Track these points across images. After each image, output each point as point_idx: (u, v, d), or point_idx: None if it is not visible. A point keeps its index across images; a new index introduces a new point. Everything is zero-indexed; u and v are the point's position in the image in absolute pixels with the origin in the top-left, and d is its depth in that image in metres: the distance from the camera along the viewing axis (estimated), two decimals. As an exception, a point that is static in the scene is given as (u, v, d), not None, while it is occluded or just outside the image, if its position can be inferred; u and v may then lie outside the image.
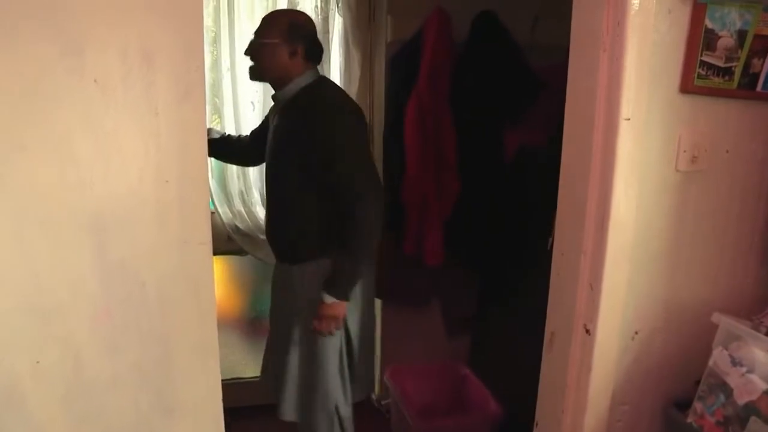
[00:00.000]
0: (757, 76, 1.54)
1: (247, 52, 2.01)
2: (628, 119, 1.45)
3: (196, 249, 1.19)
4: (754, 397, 1.41)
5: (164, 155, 1.14)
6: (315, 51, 2.02)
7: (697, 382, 1.68)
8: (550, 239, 1.85)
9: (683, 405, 1.68)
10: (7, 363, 1.13)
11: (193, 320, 1.23)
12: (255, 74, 2.05)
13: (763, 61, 1.53)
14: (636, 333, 1.65)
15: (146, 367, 1.24)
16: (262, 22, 2.02)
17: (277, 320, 2.22)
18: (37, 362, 1.15)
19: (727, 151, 1.59)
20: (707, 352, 1.59)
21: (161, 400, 1.26)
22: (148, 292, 1.20)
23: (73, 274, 1.15)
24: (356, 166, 1.94)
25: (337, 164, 1.90)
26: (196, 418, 1.28)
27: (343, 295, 1.97)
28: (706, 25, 1.46)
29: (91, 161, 1.12)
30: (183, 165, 1.16)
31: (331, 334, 2.01)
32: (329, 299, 1.95)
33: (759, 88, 1.55)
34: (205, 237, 1.20)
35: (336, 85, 2.23)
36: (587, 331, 1.61)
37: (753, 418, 1.41)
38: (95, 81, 1.06)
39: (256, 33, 2.00)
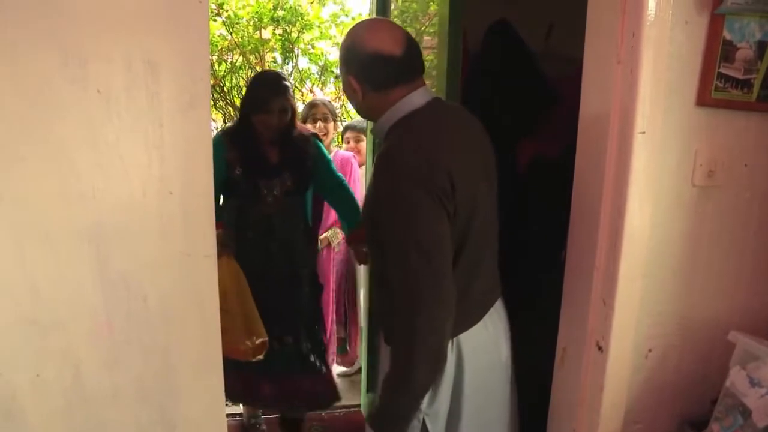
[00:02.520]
0: (776, 88, 1.50)
1: None
2: (643, 133, 1.42)
3: (200, 262, 1.17)
4: (773, 421, 1.37)
5: (168, 166, 1.13)
6: (373, 75, 1.47)
7: (713, 402, 1.64)
8: (563, 252, 1.82)
9: (698, 425, 1.64)
10: (6, 376, 1.12)
11: (196, 334, 1.22)
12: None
13: (784, 74, 1.49)
14: (650, 351, 1.61)
15: (147, 381, 1.22)
16: None
17: None
18: (37, 375, 1.13)
19: (746, 165, 1.55)
20: (723, 372, 1.54)
21: (163, 416, 1.24)
22: (150, 305, 1.18)
23: (74, 287, 1.14)
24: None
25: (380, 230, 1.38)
26: (195, 433, 1.27)
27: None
28: (724, 37, 1.43)
29: (92, 172, 1.10)
30: (187, 176, 1.15)
31: None
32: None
33: (778, 100, 1.51)
34: (209, 250, 1.18)
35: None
36: (600, 348, 1.57)
37: (772, 442, 1.37)
38: (98, 91, 1.05)
39: None
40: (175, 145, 1.12)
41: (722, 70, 1.45)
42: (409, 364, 1.34)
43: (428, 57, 3.05)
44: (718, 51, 1.43)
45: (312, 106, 3.72)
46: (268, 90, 2.48)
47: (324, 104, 3.73)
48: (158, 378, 1.23)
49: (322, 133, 3.47)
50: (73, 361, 1.17)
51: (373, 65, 1.44)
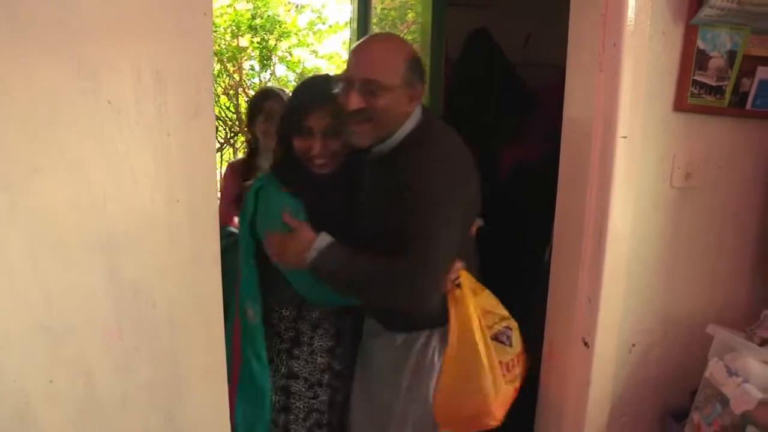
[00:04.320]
0: (746, 94, 1.59)
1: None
2: (625, 137, 1.49)
3: (205, 265, 1.20)
4: (750, 407, 1.44)
5: (175, 174, 1.16)
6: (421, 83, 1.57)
7: (693, 393, 1.71)
8: (548, 252, 1.89)
9: (679, 416, 1.71)
10: (20, 383, 1.13)
11: (202, 339, 1.24)
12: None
13: (752, 81, 1.58)
14: (633, 345, 1.68)
15: (156, 387, 1.24)
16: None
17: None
18: (50, 382, 1.14)
19: (720, 168, 1.64)
20: (702, 364, 1.62)
21: (171, 422, 1.26)
22: (159, 312, 1.20)
23: (86, 294, 1.16)
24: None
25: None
26: (204, 439, 1.29)
27: (317, 266, 1.49)
28: (698, 46, 1.51)
29: (103, 182, 1.13)
30: (193, 184, 1.18)
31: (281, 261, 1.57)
32: (321, 240, 1.49)
33: (748, 106, 1.60)
34: (213, 255, 1.21)
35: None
36: (586, 344, 1.64)
37: (749, 428, 1.44)
38: (109, 102, 1.07)
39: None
40: (181, 154, 1.15)
41: (697, 78, 1.54)
42: (377, 292, 1.48)
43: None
44: (692, 59, 1.52)
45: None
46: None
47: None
48: (167, 384, 1.25)
49: None
50: (85, 367, 1.18)
51: (423, 74, 1.54)
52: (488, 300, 1.68)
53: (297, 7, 6.13)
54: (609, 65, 1.48)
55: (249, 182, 1.99)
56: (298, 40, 6.13)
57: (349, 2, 3.92)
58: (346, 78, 1.48)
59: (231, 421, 1.43)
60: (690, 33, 1.50)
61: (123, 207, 1.15)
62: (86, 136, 1.10)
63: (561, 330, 1.73)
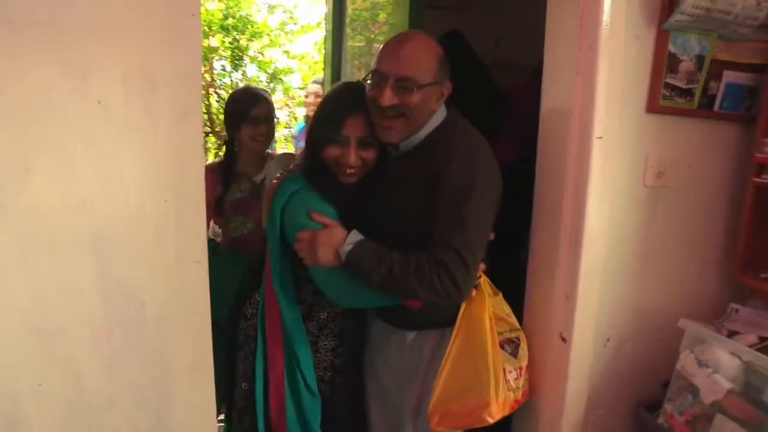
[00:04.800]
0: (714, 97, 1.66)
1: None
2: (601, 138, 1.54)
3: (192, 267, 1.20)
4: (719, 396, 1.51)
5: (163, 175, 1.15)
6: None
7: (665, 385, 1.77)
8: (520, 250, 1.93)
9: (652, 407, 1.77)
10: (10, 386, 1.11)
11: (189, 338, 1.24)
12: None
13: (719, 84, 1.65)
14: (608, 340, 1.74)
15: (145, 387, 1.24)
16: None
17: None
18: (39, 384, 1.13)
19: (690, 167, 1.70)
20: (673, 357, 1.68)
21: (159, 421, 1.26)
22: (147, 311, 1.20)
23: (75, 294, 1.15)
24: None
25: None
26: (191, 437, 1.29)
27: (351, 261, 1.48)
28: (669, 50, 1.57)
29: (93, 182, 1.12)
30: (181, 184, 1.18)
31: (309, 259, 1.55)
32: (354, 236, 1.50)
33: (716, 108, 1.67)
34: (200, 255, 1.21)
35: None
36: (563, 340, 1.68)
37: (719, 416, 1.50)
38: (98, 102, 1.07)
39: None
40: (169, 154, 1.15)
41: (668, 80, 1.60)
42: (408, 292, 1.45)
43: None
44: (664, 63, 1.58)
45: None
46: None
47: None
48: (155, 384, 1.25)
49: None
50: (74, 368, 1.17)
51: (449, 72, 1.57)
52: (502, 305, 1.73)
53: (269, 7, 6.11)
54: (586, 68, 1.52)
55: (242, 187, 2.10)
56: (270, 40, 6.11)
57: (324, 3, 3.93)
58: (378, 74, 1.50)
59: None
60: (662, 37, 1.56)
61: (112, 207, 1.14)
62: (76, 135, 1.09)
63: (539, 326, 1.77)
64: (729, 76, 1.65)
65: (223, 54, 5.88)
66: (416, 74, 1.46)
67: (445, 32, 3.00)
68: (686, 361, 1.62)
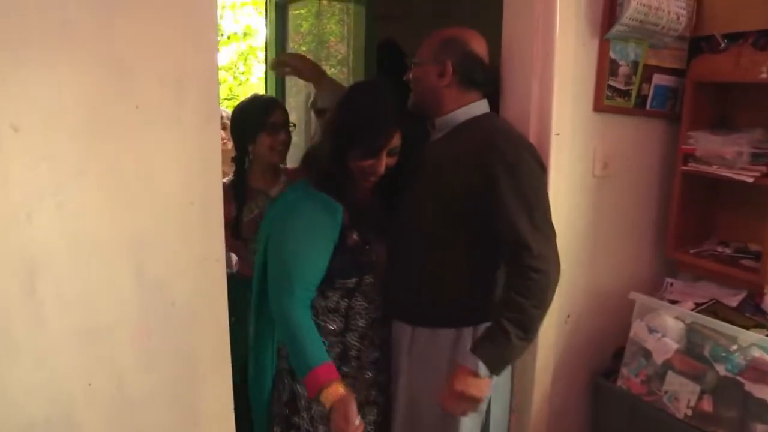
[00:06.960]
0: (646, 97, 1.90)
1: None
2: (558, 134, 1.73)
3: (213, 266, 1.26)
4: (669, 356, 1.74)
5: (190, 176, 1.21)
6: (469, 71, 1.61)
7: (614, 356, 2.00)
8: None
9: (606, 375, 1.99)
10: (66, 387, 1.14)
11: (212, 334, 1.29)
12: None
13: (650, 86, 1.90)
14: (568, 316, 1.93)
15: (178, 383, 1.28)
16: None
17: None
18: (89, 384, 1.15)
19: (628, 159, 1.94)
20: (622, 329, 1.90)
21: (189, 415, 1.30)
22: (178, 310, 1.24)
23: (118, 294, 1.18)
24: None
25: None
26: (213, 429, 1.35)
27: (496, 369, 1.48)
28: (610, 57, 1.79)
29: (134, 184, 1.16)
30: (204, 185, 1.23)
31: (464, 415, 1.55)
32: (482, 370, 1.45)
33: (647, 107, 1.92)
34: (220, 254, 1.27)
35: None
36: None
37: (669, 373, 1.73)
38: (137, 107, 1.11)
39: None
40: (194, 158, 1.20)
41: (610, 83, 1.82)
42: (540, 313, 1.50)
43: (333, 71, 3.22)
44: (606, 67, 1.80)
45: None
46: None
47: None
48: (186, 379, 1.29)
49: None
50: (118, 367, 1.20)
51: (474, 64, 1.63)
52: None
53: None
54: (542, 72, 1.71)
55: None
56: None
57: (259, 14, 3.95)
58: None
59: None
60: (604, 45, 1.78)
61: (149, 207, 1.19)
62: (120, 139, 1.14)
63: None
64: (657, 79, 1.90)
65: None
66: (417, 53, 1.69)
67: (379, 41, 3.16)
68: (638, 328, 1.84)
